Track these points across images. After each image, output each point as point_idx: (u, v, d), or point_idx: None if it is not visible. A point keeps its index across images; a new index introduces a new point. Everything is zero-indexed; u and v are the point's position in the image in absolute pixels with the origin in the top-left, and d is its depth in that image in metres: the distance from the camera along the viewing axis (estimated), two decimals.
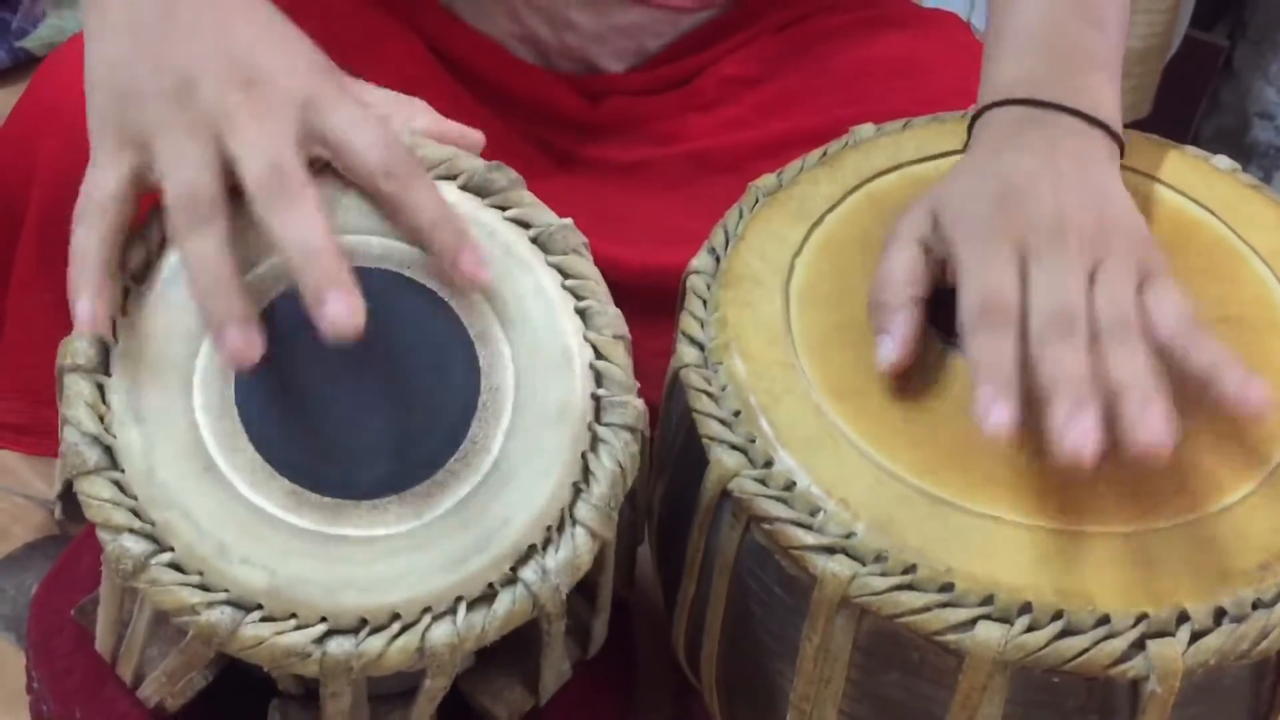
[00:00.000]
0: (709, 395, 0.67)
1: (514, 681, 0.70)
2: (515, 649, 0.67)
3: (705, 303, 0.70)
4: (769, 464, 0.64)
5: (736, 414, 0.66)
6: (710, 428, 0.66)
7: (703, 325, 0.69)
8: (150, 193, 0.63)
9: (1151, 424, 0.58)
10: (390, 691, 0.66)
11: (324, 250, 0.60)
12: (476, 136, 0.70)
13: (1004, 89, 0.71)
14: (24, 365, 0.90)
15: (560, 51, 0.91)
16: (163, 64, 0.62)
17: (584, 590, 0.68)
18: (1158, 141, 0.77)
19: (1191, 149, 0.77)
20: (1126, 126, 0.73)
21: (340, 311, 0.59)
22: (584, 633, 0.72)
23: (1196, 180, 0.74)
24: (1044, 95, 0.69)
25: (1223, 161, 0.76)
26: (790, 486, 0.63)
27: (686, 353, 0.69)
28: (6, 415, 0.93)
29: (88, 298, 0.61)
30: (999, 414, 0.59)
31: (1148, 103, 1.42)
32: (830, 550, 0.61)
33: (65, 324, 0.63)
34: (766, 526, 0.63)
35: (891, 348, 0.65)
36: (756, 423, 0.65)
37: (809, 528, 0.62)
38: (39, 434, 0.91)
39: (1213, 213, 0.73)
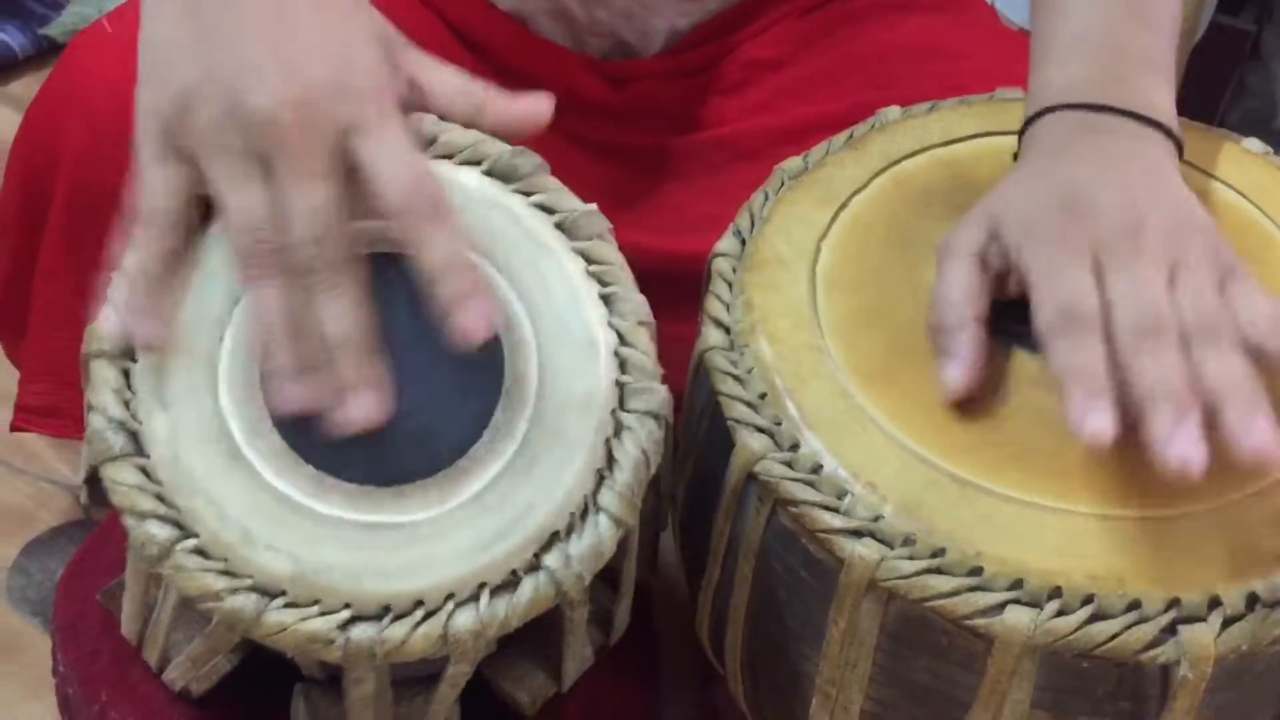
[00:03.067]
0: (734, 378, 0.66)
1: (536, 667, 0.70)
2: (538, 635, 0.67)
3: (730, 286, 0.70)
4: (795, 447, 0.63)
5: (762, 396, 0.65)
6: (736, 410, 0.65)
7: (728, 308, 0.69)
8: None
9: (1260, 431, 0.57)
10: (414, 676, 0.66)
11: (353, 333, 0.61)
12: (545, 107, 0.69)
13: (1056, 94, 0.69)
14: (50, 348, 0.90)
15: (590, 28, 0.91)
16: (215, 69, 0.61)
17: (607, 576, 0.68)
18: (1188, 125, 0.76)
19: (1222, 132, 0.77)
20: None
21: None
22: (607, 619, 0.71)
23: (1228, 164, 0.74)
24: (1098, 99, 0.67)
25: (1254, 144, 0.76)
26: (817, 469, 0.63)
27: (712, 335, 0.68)
28: (33, 398, 0.93)
29: (143, 321, 0.62)
30: (1097, 421, 0.57)
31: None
32: (858, 533, 0.61)
33: (91, 307, 0.64)
34: (793, 510, 0.63)
35: (958, 372, 0.64)
36: (783, 405, 0.65)
37: (836, 511, 0.62)
38: (65, 417, 0.91)
39: (1244, 196, 0.72)
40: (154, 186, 0.62)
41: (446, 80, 0.67)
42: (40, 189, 0.85)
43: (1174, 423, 0.57)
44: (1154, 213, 0.62)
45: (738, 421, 0.65)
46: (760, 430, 0.65)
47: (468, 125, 0.68)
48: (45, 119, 0.85)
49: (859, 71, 0.90)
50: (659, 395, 0.65)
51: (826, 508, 0.62)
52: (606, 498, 0.63)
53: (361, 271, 0.62)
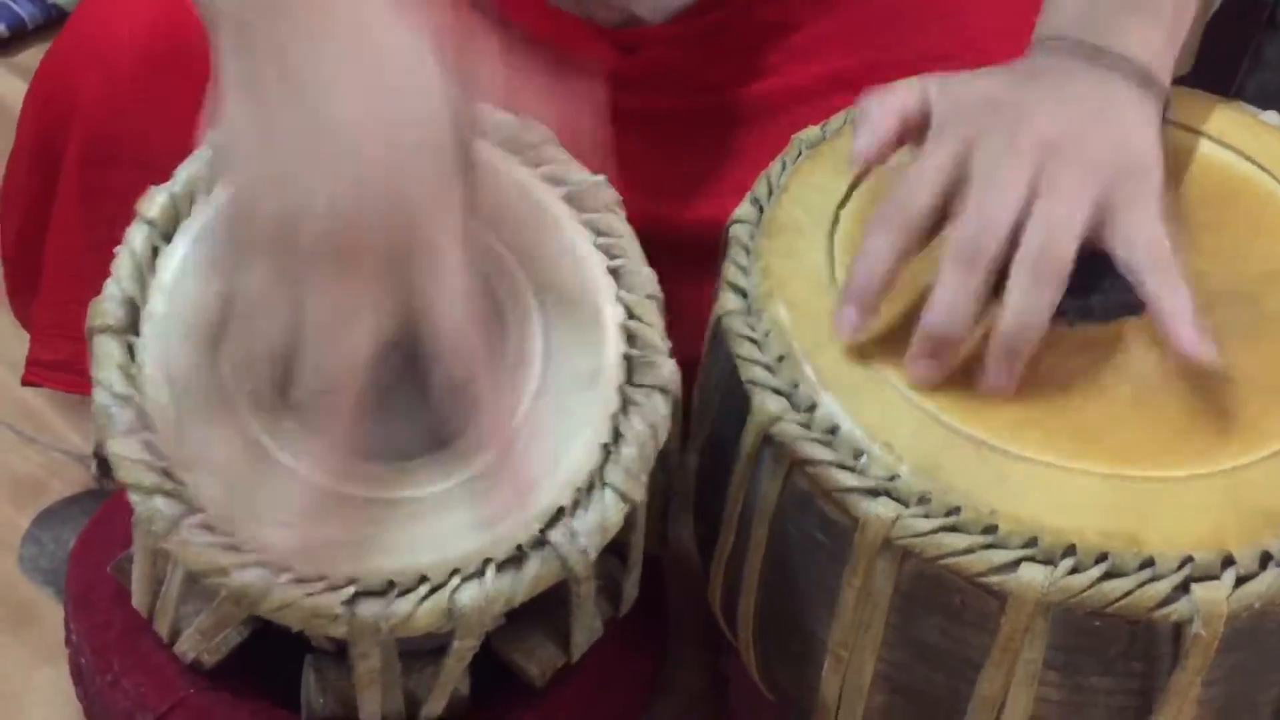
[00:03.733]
0: (752, 341, 0.67)
1: (546, 639, 0.70)
2: (547, 607, 0.67)
3: (748, 252, 0.70)
4: (812, 408, 0.64)
5: (780, 359, 0.66)
6: (753, 373, 0.66)
7: (746, 274, 0.69)
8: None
9: (992, 377, 0.62)
10: (422, 649, 0.66)
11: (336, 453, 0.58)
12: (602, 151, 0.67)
13: (1052, 29, 0.71)
14: (63, 302, 0.90)
15: (601, 1, 0.91)
16: (273, 172, 0.56)
17: (615, 549, 0.68)
18: (1205, 96, 0.76)
19: (1239, 103, 0.77)
20: (1175, 81, 0.72)
21: None
22: (616, 591, 0.72)
23: (1245, 135, 0.74)
24: (1086, 36, 0.69)
25: (1271, 116, 0.76)
26: (834, 430, 0.63)
27: (729, 300, 0.69)
28: (45, 352, 0.93)
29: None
30: (845, 319, 0.64)
31: (1189, 60, 1.40)
32: (874, 493, 0.61)
33: (105, 262, 0.63)
34: (809, 470, 0.63)
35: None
36: (800, 368, 0.65)
37: (852, 470, 0.62)
38: (76, 372, 0.91)
39: (1262, 167, 0.73)
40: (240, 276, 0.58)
41: (498, 126, 0.66)
42: (54, 143, 0.85)
43: (922, 360, 0.63)
44: (1055, 117, 0.64)
45: (755, 383, 0.65)
46: (777, 392, 0.65)
47: None
48: (59, 72, 0.85)
49: (869, 30, 0.90)
50: (667, 370, 0.65)
51: (843, 467, 0.62)
52: (613, 473, 0.63)
53: (356, 421, 0.58)
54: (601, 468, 0.63)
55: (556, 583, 0.63)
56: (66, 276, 0.89)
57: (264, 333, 0.57)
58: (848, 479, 0.62)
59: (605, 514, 0.62)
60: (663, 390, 0.65)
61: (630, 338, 0.65)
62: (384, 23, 0.58)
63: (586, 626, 0.69)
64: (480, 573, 0.60)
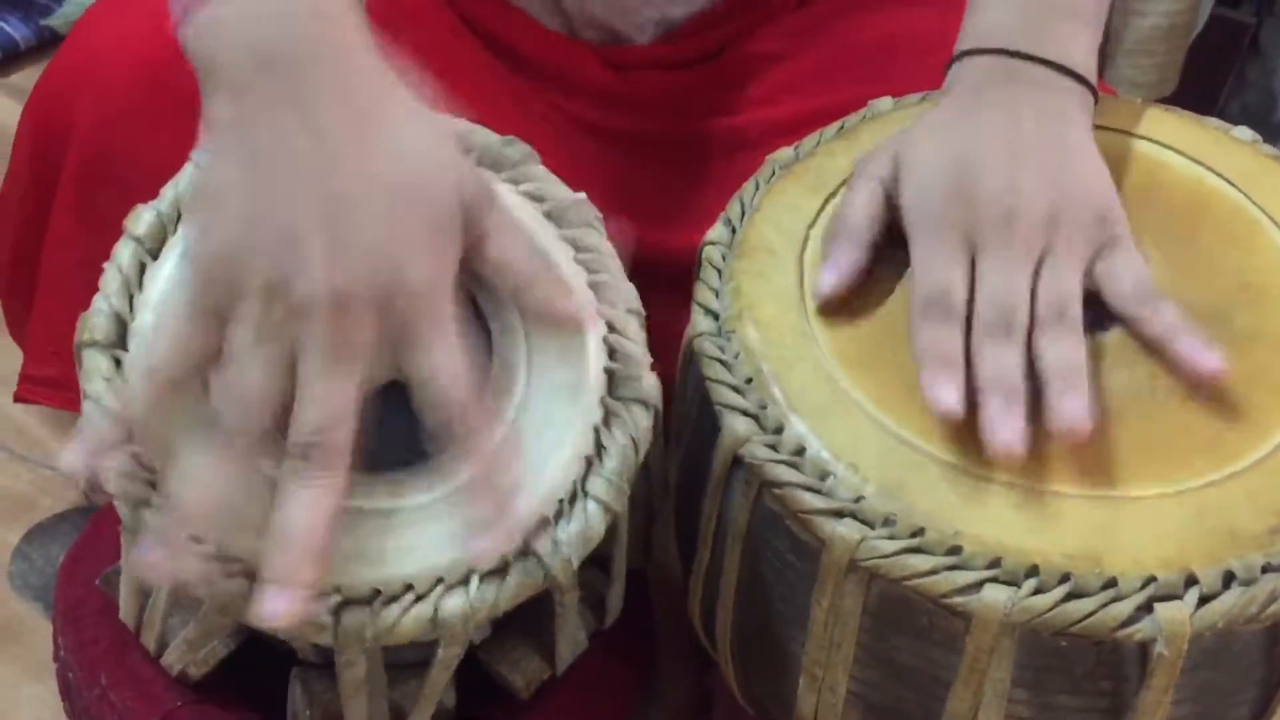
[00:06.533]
0: (722, 363, 0.67)
1: (531, 651, 0.71)
2: (532, 619, 0.68)
3: (720, 273, 0.71)
4: (780, 430, 0.64)
5: (749, 381, 0.66)
6: (722, 395, 0.66)
7: (717, 295, 0.70)
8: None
9: (1067, 409, 0.62)
10: (407, 661, 0.66)
11: (307, 548, 0.56)
12: (586, 322, 0.66)
13: (980, 37, 0.72)
14: (57, 319, 0.89)
15: (584, 20, 0.91)
16: (262, 237, 0.56)
17: (598, 561, 0.68)
18: (1176, 113, 0.77)
19: (1211, 120, 0.77)
20: (1157, 101, 0.73)
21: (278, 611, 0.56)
22: (599, 603, 0.72)
23: (1215, 151, 0.74)
24: (1016, 45, 0.70)
25: (1243, 133, 0.76)
26: (800, 452, 0.63)
27: (701, 322, 0.69)
28: (39, 369, 0.93)
29: (104, 457, 0.59)
30: (942, 395, 0.62)
31: (1173, 80, 1.41)
32: (839, 514, 0.62)
33: (99, 281, 0.64)
34: (777, 491, 0.63)
35: (832, 278, 0.68)
36: (768, 389, 0.65)
37: (818, 492, 0.62)
38: (69, 389, 0.91)
39: (1231, 183, 0.73)
40: (178, 341, 0.58)
41: (512, 249, 0.63)
42: (49, 163, 0.85)
43: (1002, 412, 0.62)
44: (1038, 190, 0.66)
45: (724, 405, 0.66)
46: (746, 414, 0.65)
47: (509, 296, 0.65)
48: (55, 94, 0.85)
49: (858, 65, 0.90)
50: (648, 383, 0.66)
51: (809, 489, 0.62)
52: (595, 484, 0.63)
53: (349, 474, 0.57)
54: (584, 479, 0.63)
55: (540, 594, 0.63)
56: (61, 295, 0.89)
57: (253, 382, 0.57)
58: (813, 500, 0.62)
59: (588, 524, 0.62)
60: (643, 403, 0.65)
61: (611, 351, 0.66)
62: (396, 92, 0.60)
63: (571, 638, 0.70)
64: (464, 582, 0.60)
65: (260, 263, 0.56)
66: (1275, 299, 0.68)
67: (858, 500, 0.62)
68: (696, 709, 0.96)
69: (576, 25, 0.92)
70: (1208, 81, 1.48)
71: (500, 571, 0.61)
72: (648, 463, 0.68)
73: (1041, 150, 0.68)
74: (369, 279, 0.56)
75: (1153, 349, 0.65)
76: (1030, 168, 0.67)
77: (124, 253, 0.65)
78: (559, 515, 0.62)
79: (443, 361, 0.58)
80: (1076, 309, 0.65)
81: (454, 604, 0.60)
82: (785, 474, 0.63)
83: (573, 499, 0.63)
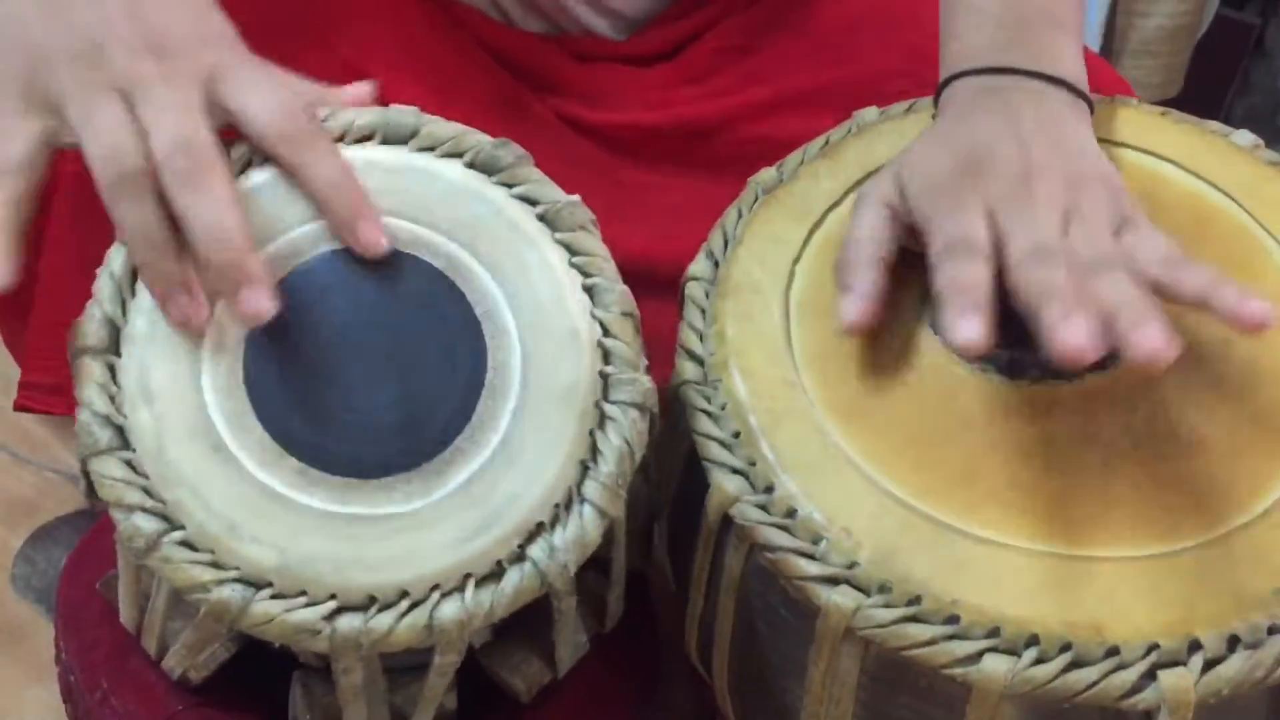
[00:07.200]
0: (708, 415, 0.66)
1: (532, 655, 0.71)
2: (533, 624, 0.68)
3: (704, 313, 0.69)
4: (770, 489, 0.63)
5: (736, 435, 0.65)
6: (710, 450, 0.65)
7: (701, 338, 0.68)
8: (64, 148, 0.63)
9: (1150, 334, 0.57)
10: (407, 665, 0.66)
11: (232, 232, 0.60)
12: (362, 91, 0.68)
13: (967, 58, 0.70)
14: (56, 325, 0.89)
15: (529, 11, 0.90)
16: (73, 25, 0.62)
17: (597, 565, 0.68)
18: (1174, 118, 0.74)
19: (1211, 124, 0.75)
20: (1159, 103, 0.72)
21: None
22: (600, 607, 0.72)
23: (1214, 161, 0.72)
24: (1003, 61, 0.69)
25: (1243, 137, 0.73)
26: (791, 513, 0.62)
27: (686, 369, 0.68)
28: (39, 375, 0.92)
29: None
30: (968, 329, 0.59)
31: (1178, 82, 1.40)
32: (833, 581, 0.61)
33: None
34: (769, 555, 0.62)
35: (855, 306, 0.64)
36: (757, 446, 0.64)
37: (811, 557, 0.61)
38: (69, 394, 0.91)
39: (1232, 198, 0.71)
40: (8, 134, 0.62)
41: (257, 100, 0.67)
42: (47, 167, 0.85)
43: (1062, 316, 0.57)
44: (1052, 162, 0.64)
45: (712, 462, 0.64)
46: (735, 471, 0.64)
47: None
48: None
49: (824, 47, 0.89)
50: (643, 386, 0.65)
51: (802, 554, 0.61)
52: (590, 489, 0.63)
53: (233, 173, 0.62)
54: (580, 483, 0.63)
55: (539, 598, 0.63)
56: (60, 297, 0.89)
57: (107, 130, 0.60)
58: (808, 567, 0.61)
59: (584, 529, 0.62)
60: (639, 407, 0.65)
61: (606, 355, 0.65)
62: None
63: (570, 642, 0.70)
64: (460, 588, 0.61)
65: (75, 44, 0.61)
66: (1277, 328, 0.66)
67: (851, 566, 0.60)
68: (703, 714, 0.95)
69: (514, 19, 0.91)
70: (1213, 83, 1.46)
71: (496, 577, 0.61)
72: (646, 465, 0.67)
73: (1047, 136, 0.66)
74: (178, 33, 0.62)
75: (1183, 319, 0.61)
76: (1039, 146, 0.65)
77: (116, 258, 0.65)
78: (555, 520, 0.62)
79: (257, 79, 0.63)
80: (1118, 259, 0.61)
81: (450, 610, 0.60)
82: (777, 538, 0.62)
83: (568, 504, 0.63)
